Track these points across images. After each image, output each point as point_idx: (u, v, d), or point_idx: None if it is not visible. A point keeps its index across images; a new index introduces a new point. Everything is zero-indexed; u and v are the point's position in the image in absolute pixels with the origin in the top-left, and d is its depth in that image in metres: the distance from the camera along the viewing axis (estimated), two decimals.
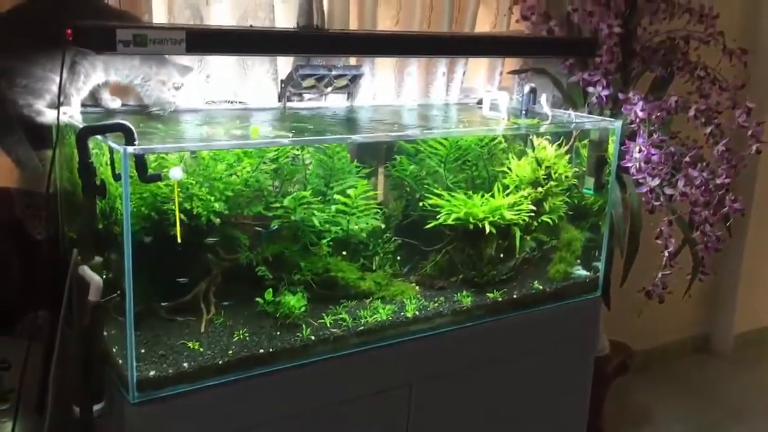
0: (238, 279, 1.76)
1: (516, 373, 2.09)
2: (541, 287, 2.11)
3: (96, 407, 1.55)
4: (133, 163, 1.44)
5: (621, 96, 2.48)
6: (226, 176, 1.68)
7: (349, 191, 1.83)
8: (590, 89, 2.68)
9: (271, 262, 1.77)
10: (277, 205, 1.75)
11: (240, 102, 2.12)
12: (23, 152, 1.72)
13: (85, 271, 1.47)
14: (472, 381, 2.00)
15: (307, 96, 2.22)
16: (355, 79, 2.23)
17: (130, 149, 1.40)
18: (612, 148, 2.16)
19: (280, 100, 2.16)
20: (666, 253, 2.40)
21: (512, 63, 2.73)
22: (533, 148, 2.13)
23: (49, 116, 1.66)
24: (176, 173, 1.47)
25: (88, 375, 1.49)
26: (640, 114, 2.41)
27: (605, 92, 2.61)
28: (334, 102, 2.27)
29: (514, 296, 2.05)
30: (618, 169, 2.29)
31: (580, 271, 2.23)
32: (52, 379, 1.60)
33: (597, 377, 2.37)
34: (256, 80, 2.11)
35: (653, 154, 2.34)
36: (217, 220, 1.66)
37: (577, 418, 2.31)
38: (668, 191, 2.39)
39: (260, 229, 1.78)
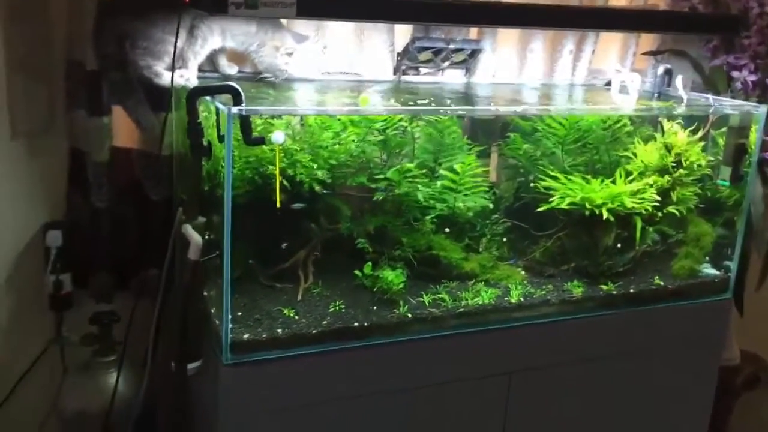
0: (337, 250, 1.74)
1: (627, 374, 1.94)
2: (662, 283, 1.94)
3: (193, 365, 1.57)
4: (238, 125, 1.44)
5: None
6: (331, 144, 1.65)
7: (457, 167, 1.75)
8: (735, 74, 2.45)
9: (372, 236, 1.73)
10: (381, 176, 1.70)
11: (355, 74, 2.09)
12: (143, 113, 1.78)
13: (188, 230, 1.49)
14: (578, 377, 1.88)
15: (423, 70, 2.16)
16: (474, 53, 2.14)
17: (235, 110, 1.40)
18: (754, 136, 1.95)
19: (395, 74, 2.12)
20: None
21: (648, 44, 2.54)
22: (663, 133, 1.96)
23: (166, 78, 1.70)
24: (279, 137, 1.46)
25: (185, 333, 1.51)
26: None
27: (752, 77, 2.38)
28: (451, 77, 2.20)
29: (631, 290, 1.90)
30: (760, 162, 2.08)
31: (709, 270, 2.04)
32: (153, 334, 1.64)
33: (724, 389, 2.17)
34: (372, 52, 2.07)
35: None
36: (319, 188, 1.64)
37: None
38: None
39: (364, 198, 1.75)
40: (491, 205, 1.85)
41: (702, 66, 2.59)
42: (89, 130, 1.84)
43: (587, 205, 1.84)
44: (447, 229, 1.77)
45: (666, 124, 1.96)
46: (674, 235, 2.01)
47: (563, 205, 1.84)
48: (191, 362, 1.56)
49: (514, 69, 2.31)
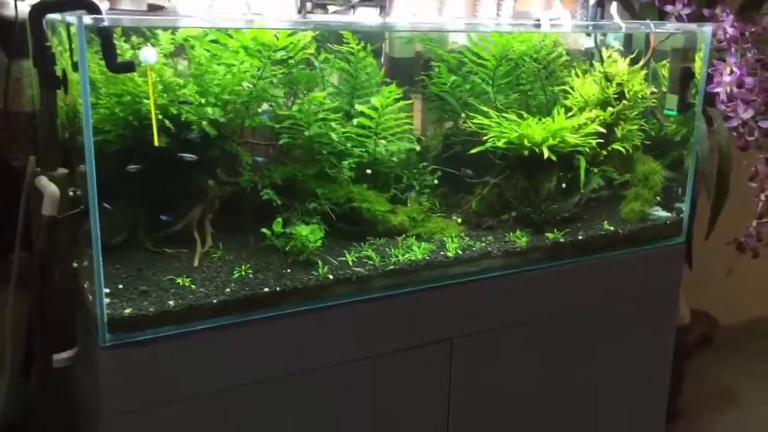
0: (240, 207, 1.46)
1: (579, 332, 1.73)
2: (611, 228, 1.74)
3: (64, 355, 1.27)
4: (100, 48, 1.15)
5: (706, 13, 2.10)
6: (222, 76, 1.37)
7: (374, 101, 1.50)
8: (668, 8, 2.29)
9: (280, 188, 1.46)
10: (285, 114, 1.43)
11: (255, 14, 1.82)
12: None
13: (41, 181, 1.19)
14: (525, 338, 1.65)
15: (331, 8, 1.90)
16: None
17: (88, 20, 1.10)
18: (701, 60, 1.78)
19: (299, 12, 1.85)
20: (762, 197, 2.00)
21: None
22: (602, 62, 1.77)
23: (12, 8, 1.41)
24: (149, 54, 1.18)
25: (44, 314, 1.21)
26: (730, 31, 2.03)
27: (686, 11, 2.23)
28: (364, 17, 1.95)
29: (579, 238, 1.69)
30: (705, 97, 1.91)
31: (659, 213, 1.85)
32: (10, 314, 1.33)
33: (675, 350, 1.99)
34: None
35: (746, 77, 1.95)
36: (212, 130, 1.36)
37: (655, 394, 1.94)
38: (764, 124, 2.00)
39: (268, 144, 1.47)
40: (418, 149, 1.61)
41: (632, 4, 2.43)
42: None
43: (526, 143, 1.62)
44: (368, 171, 1.51)
45: (605, 53, 1.77)
46: (621, 176, 1.81)
47: (499, 145, 1.61)
48: (61, 351, 1.26)
49: (433, 9, 2.08)
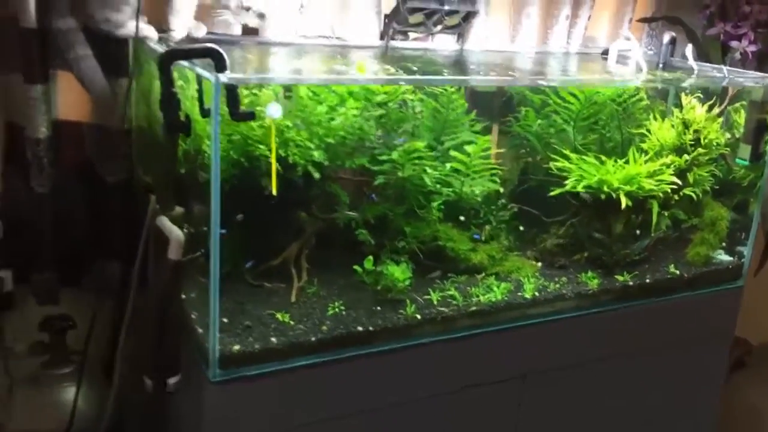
0: (332, 242, 1.51)
1: (642, 368, 1.79)
2: (677, 272, 1.79)
3: (172, 381, 1.33)
4: (224, 97, 1.19)
5: None
6: (326, 120, 1.41)
7: (468, 148, 1.54)
8: (734, 44, 2.32)
9: (371, 226, 1.51)
10: (384, 157, 1.47)
11: (337, 38, 1.84)
12: (94, 74, 1.50)
13: (164, 223, 1.23)
14: (593, 374, 1.72)
15: (412, 35, 1.93)
16: (468, 17, 1.93)
17: (223, 78, 1.14)
18: None
19: (382, 38, 1.88)
20: None
21: (642, 10, 2.38)
22: (680, 108, 1.80)
23: (131, 28, 1.44)
24: (274, 110, 1.21)
25: (163, 343, 1.26)
26: None
27: (752, 48, 2.26)
28: (442, 43, 1.98)
29: (647, 280, 1.74)
30: None
31: (722, 256, 1.90)
32: (122, 344, 1.38)
33: None
34: (357, 12, 1.83)
35: None
36: (315, 172, 1.40)
37: (706, 420, 2.01)
38: None
39: (362, 183, 1.51)
40: (501, 190, 1.65)
41: (696, 34, 2.45)
42: (25, 100, 1.53)
43: (605, 189, 1.66)
44: (461, 218, 1.56)
45: (684, 99, 1.79)
46: (689, 219, 1.85)
47: (579, 188, 1.66)
48: (170, 377, 1.32)
49: (505, 35, 2.11)
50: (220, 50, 1.18)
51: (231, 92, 1.18)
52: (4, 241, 1.58)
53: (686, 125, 1.78)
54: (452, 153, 1.55)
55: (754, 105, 1.81)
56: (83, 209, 1.69)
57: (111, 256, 1.69)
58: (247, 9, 1.53)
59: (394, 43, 1.89)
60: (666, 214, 1.80)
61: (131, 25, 1.47)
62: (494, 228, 1.68)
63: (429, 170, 1.49)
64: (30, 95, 1.50)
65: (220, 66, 1.18)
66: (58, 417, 1.53)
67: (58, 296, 1.65)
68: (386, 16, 1.86)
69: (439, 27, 1.91)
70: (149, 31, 1.48)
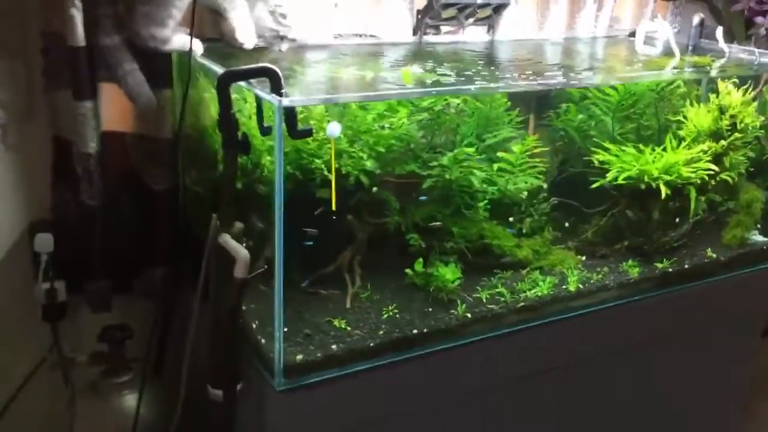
0: (382, 246, 1.54)
1: (682, 351, 1.84)
2: (714, 256, 1.82)
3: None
4: (283, 116, 1.20)
5: None
6: (376, 129, 1.43)
7: (515, 147, 1.56)
8: (759, 19, 2.32)
9: (419, 228, 1.54)
10: (434, 163, 1.49)
11: (371, 35, 1.85)
12: (140, 87, 1.52)
13: (228, 241, 1.26)
14: (633, 360, 1.76)
15: (444, 29, 1.93)
16: (499, 8, 1.93)
17: (286, 101, 1.16)
18: None
19: (415, 33, 1.89)
20: None
21: None
22: (716, 93, 1.81)
23: (176, 43, 1.46)
24: (335, 129, 1.23)
25: (230, 355, 1.30)
26: None
27: None
28: (473, 35, 1.98)
29: (686, 266, 1.77)
30: None
31: (756, 237, 1.93)
32: (187, 358, 1.42)
33: None
34: (390, 9, 1.83)
35: None
36: (367, 181, 1.43)
37: (740, 385, 2.07)
38: None
39: (409, 185, 1.54)
40: (545, 186, 1.67)
41: (720, 11, 2.44)
42: (74, 116, 1.55)
43: (645, 179, 1.68)
44: (510, 219, 1.59)
45: (720, 84, 1.80)
46: (724, 202, 1.88)
47: (620, 180, 1.68)
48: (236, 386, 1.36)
49: (533, 23, 2.10)
50: (276, 70, 1.20)
51: (290, 113, 1.20)
52: (56, 253, 1.61)
53: (722, 111, 1.79)
54: (499, 154, 1.57)
55: None
56: (132, 218, 1.71)
57: (160, 263, 1.72)
58: (282, 38, 1.54)
59: (426, 38, 1.90)
60: (703, 198, 1.83)
61: (177, 39, 1.47)
62: (536, 221, 1.71)
63: (477, 172, 1.51)
64: (80, 111, 1.52)
65: (276, 86, 1.19)
66: (121, 424, 1.58)
67: (110, 304, 1.69)
68: (419, 11, 1.86)
69: (471, 20, 1.91)
70: (196, 45, 1.49)
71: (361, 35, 1.85)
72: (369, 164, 1.40)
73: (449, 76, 1.48)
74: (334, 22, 1.80)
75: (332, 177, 1.25)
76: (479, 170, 1.53)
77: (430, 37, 1.91)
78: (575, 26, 2.15)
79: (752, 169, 1.90)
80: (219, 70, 1.35)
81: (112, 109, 1.63)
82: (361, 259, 1.50)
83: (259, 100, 1.22)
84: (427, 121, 1.51)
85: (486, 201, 1.58)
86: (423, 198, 1.49)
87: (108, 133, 1.64)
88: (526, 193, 1.64)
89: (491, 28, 2.00)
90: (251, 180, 1.35)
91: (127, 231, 1.72)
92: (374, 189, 1.43)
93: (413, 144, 1.51)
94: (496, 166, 1.57)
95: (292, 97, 1.17)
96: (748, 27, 2.44)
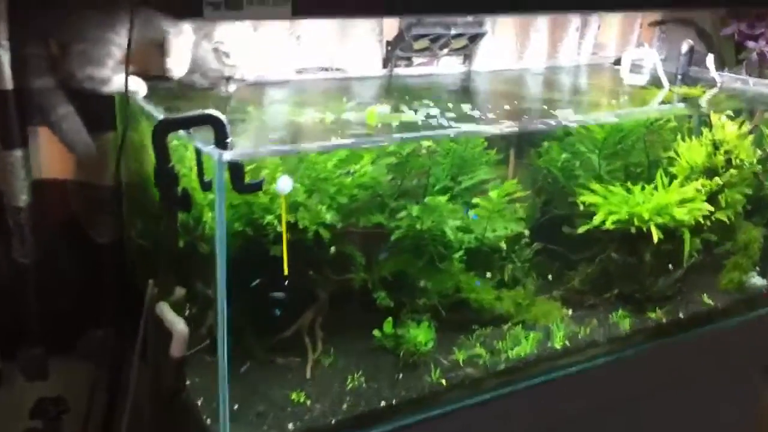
0: (347, 304, 1.39)
1: (679, 404, 1.68)
2: (711, 302, 1.68)
3: None
4: (227, 171, 1.06)
5: None
6: (337, 176, 1.28)
7: (492, 193, 1.41)
8: (750, 44, 2.20)
9: (389, 283, 1.39)
10: (403, 214, 1.34)
11: (337, 69, 1.71)
12: (70, 128, 1.37)
13: (165, 313, 1.10)
14: (626, 417, 1.61)
15: (416, 60, 1.80)
16: (475, 38, 1.80)
17: (227, 156, 1.01)
18: None
19: (385, 66, 1.75)
20: None
21: (652, 13, 2.25)
22: (709, 126, 1.68)
23: (117, 84, 1.30)
24: (285, 185, 1.08)
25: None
26: None
27: None
28: (448, 67, 1.84)
29: (680, 315, 1.63)
30: None
31: (756, 280, 1.79)
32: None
33: None
34: (358, 42, 1.69)
35: None
36: (327, 234, 1.28)
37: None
38: None
39: (376, 236, 1.39)
40: (527, 233, 1.52)
41: (709, 35, 2.33)
42: (2, 166, 1.39)
43: (636, 222, 1.55)
44: (489, 269, 1.44)
45: (714, 117, 1.67)
46: (721, 243, 1.74)
47: (608, 225, 1.54)
48: None
49: (514, 52, 1.97)
50: (220, 117, 1.05)
51: (234, 166, 1.05)
52: None
53: (716, 146, 1.66)
54: (475, 201, 1.43)
55: None
56: (73, 273, 1.55)
57: (104, 323, 1.56)
58: (227, 78, 1.39)
59: (397, 71, 1.76)
60: (697, 240, 1.69)
61: (117, 79, 1.32)
62: (518, 269, 1.56)
63: (450, 222, 1.36)
64: (8, 161, 1.36)
65: (220, 135, 1.05)
66: None
67: (47, 371, 1.52)
68: (389, 42, 1.72)
69: (445, 50, 1.78)
70: (138, 85, 1.33)
71: (326, 69, 1.71)
72: (329, 217, 1.25)
73: (418, 114, 1.34)
74: (297, 56, 1.66)
75: (284, 240, 1.09)
76: (454, 218, 1.38)
77: (402, 70, 1.78)
78: (557, 54, 2.02)
79: (749, 207, 1.76)
80: (158, 115, 1.20)
81: (50, 153, 1.47)
82: (324, 320, 1.35)
83: (198, 152, 1.07)
84: (395, 165, 1.36)
85: (462, 251, 1.43)
86: (384, 254, 1.34)
87: (46, 180, 1.48)
88: (505, 240, 1.49)
89: (467, 58, 1.86)
90: (194, 238, 1.20)
91: (68, 288, 1.55)
92: (332, 249, 1.27)
93: (381, 191, 1.36)
94: (472, 212, 1.42)
95: (236, 150, 1.02)
96: (738, 51, 2.32)
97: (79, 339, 1.58)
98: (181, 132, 1.10)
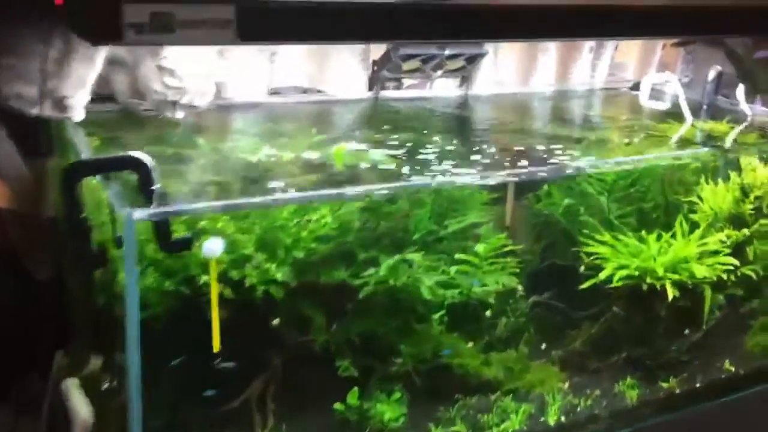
0: (306, 372, 1.19)
1: None
2: (733, 369, 1.47)
3: None
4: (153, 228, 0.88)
5: None
6: (293, 226, 1.09)
7: (479, 247, 1.22)
8: None
9: (356, 346, 1.19)
10: (369, 273, 1.15)
11: (318, 91, 1.52)
12: (3, 157, 1.19)
13: (71, 393, 0.92)
14: None
15: (407, 82, 1.61)
16: (474, 59, 1.60)
17: (139, 214, 0.82)
18: None
19: (371, 89, 1.56)
20: None
21: None
22: (737, 168, 1.47)
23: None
24: (213, 248, 0.90)
25: None
26: None
27: None
28: (443, 89, 1.65)
29: (696, 385, 1.43)
30: None
31: None
32: None
33: None
34: (340, 62, 1.51)
35: None
36: (278, 293, 1.09)
37: None
38: None
39: (342, 293, 1.19)
40: (520, 288, 1.33)
41: (740, 56, 2.10)
42: None
43: (648, 279, 1.34)
44: (470, 344, 1.25)
45: (743, 158, 1.46)
46: (747, 300, 1.53)
47: (615, 282, 1.33)
48: None
49: (518, 74, 1.77)
50: (144, 160, 0.87)
51: (160, 222, 0.87)
52: None
53: (745, 191, 1.45)
54: (458, 256, 1.23)
55: None
56: (8, 314, 1.38)
57: (43, 370, 1.39)
58: (173, 103, 1.20)
59: (385, 93, 1.57)
60: (720, 296, 1.48)
61: (75, 102, 1.15)
62: (510, 328, 1.37)
63: (427, 281, 1.16)
64: None
65: (145, 183, 0.87)
66: None
67: None
68: (375, 62, 1.53)
69: (439, 72, 1.58)
70: (73, 108, 1.16)
71: (304, 91, 1.52)
72: (280, 275, 1.06)
73: (397, 151, 1.15)
74: (270, 76, 1.47)
75: (213, 310, 0.91)
76: (433, 274, 1.18)
77: (390, 93, 1.59)
78: (568, 77, 1.82)
79: None
80: (81, 149, 1.02)
81: None
82: (276, 390, 1.16)
83: (111, 210, 0.89)
84: (367, 211, 1.17)
85: (444, 309, 1.23)
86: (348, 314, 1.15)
87: None
88: (496, 295, 1.30)
89: (466, 81, 1.67)
90: (111, 298, 1.01)
91: (3, 331, 1.38)
92: (287, 309, 1.08)
93: (349, 240, 1.17)
94: (454, 269, 1.22)
95: (146, 211, 0.83)
96: None
97: (16, 387, 1.41)
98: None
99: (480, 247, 1.22)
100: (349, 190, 1.02)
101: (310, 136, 1.26)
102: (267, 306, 1.10)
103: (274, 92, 1.50)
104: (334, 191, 1.01)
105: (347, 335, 1.18)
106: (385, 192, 1.07)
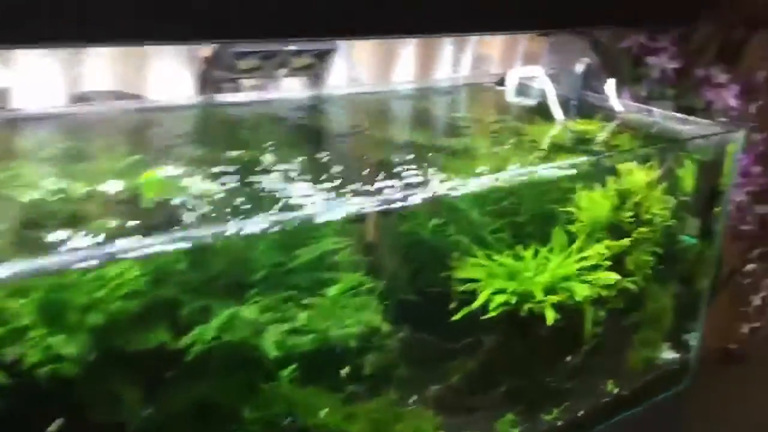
0: None
1: None
2: (616, 390, 1.36)
3: None
4: None
5: (700, 73, 1.77)
6: (88, 285, 0.84)
7: (331, 290, 1.01)
8: (651, 60, 1.92)
9: (184, 420, 0.96)
10: (195, 332, 0.91)
11: (133, 95, 1.26)
12: None
13: None
14: None
15: (247, 83, 1.37)
16: (324, 55, 1.39)
17: None
18: (727, 170, 1.40)
19: (202, 92, 1.31)
20: (757, 301, 1.73)
21: None
22: (614, 173, 1.35)
23: None
24: None
25: None
26: (733, 102, 1.70)
27: (673, 64, 1.87)
28: (292, 90, 1.43)
29: (578, 413, 1.30)
30: None
31: (666, 354, 1.49)
32: None
33: None
34: (160, 59, 1.25)
35: (754, 166, 1.63)
36: (73, 370, 0.83)
37: None
38: (760, 209, 1.72)
39: (165, 356, 0.95)
40: (384, 326, 1.13)
41: (606, 48, 2.03)
42: None
43: (527, 303, 1.19)
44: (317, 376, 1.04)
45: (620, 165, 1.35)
46: (627, 314, 1.42)
47: (491, 311, 1.17)
48: None
49: (375, 70, 1.58)
50: None
51: None
52: None
53: (622, 198, 1.33)
54: (307, 301, 1.02)
55: (704, 167, 1.39)
56: None
57: None
58: None
59: (221, 97, 1.33)
60: (602, 313, 1.36)
61: None
62: (376, 369, 1.18)
63: (270, 335, 0.94)
64: None
65: None
66: None
67: None
68: (205, 60, 1.28)
69: (284, 70, 1.36)
70: None
71: (119, 96, 1.25)
72: (70, 349, 0.80)
73: (226, 177, 0.92)
74: (73, 78, 1.20)
75: None
76: (276, 327, 0.97)
77: (227, 96, 1.34)
78: (431, 71, 1.65)
79: (661, 267, 1.46)
80: None
81: None
82: None
83: None
84: (191, 253, 0.93)
85: (293, 369, 1.02)
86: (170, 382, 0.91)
87: None
88: (354, 339, 1.10)
89: (317, 78, 1.45)
90: None
91: None
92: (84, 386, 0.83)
93: (168, 292, 0.93)
94: (304, 315, 1.01)
95: None
96: (636, 65, 2.04)
97: None
98: None
99: (333, 289, 1.01)
100: (147, 245, 0.77)
101: (118, 157, 1.00)
102: (59, 389, 0.84)
103: (79, 98, 1.22)
104: (117, 248, 0.75)
105: (172, 408, 0.94)
106: (209, 240, 0.84)
